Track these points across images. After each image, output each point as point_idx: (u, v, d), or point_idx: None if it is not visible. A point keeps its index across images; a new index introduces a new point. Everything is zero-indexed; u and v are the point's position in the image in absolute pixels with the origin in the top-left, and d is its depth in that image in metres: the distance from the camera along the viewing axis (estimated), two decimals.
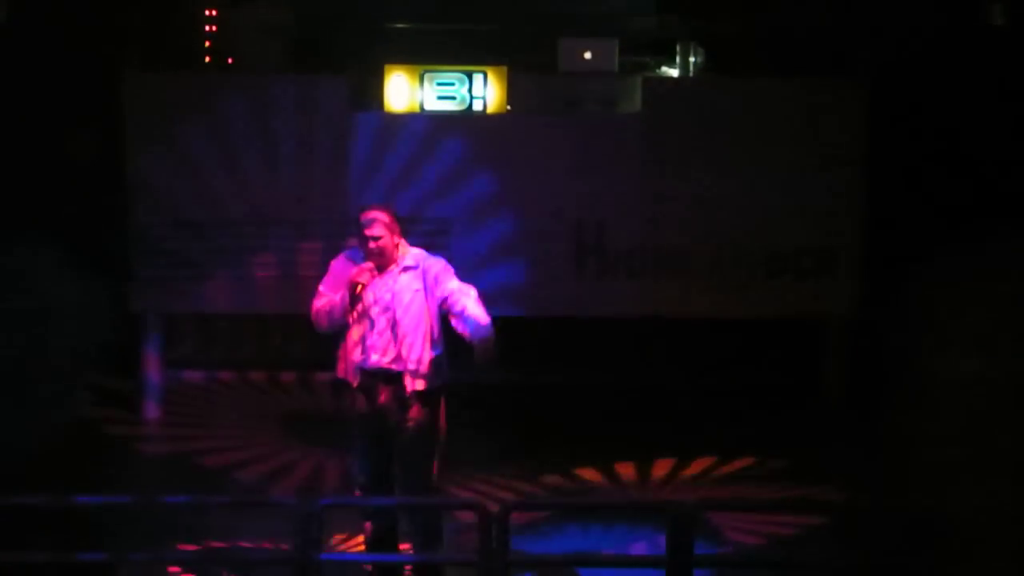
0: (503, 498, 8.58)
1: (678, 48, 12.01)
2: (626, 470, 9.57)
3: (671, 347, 11.17)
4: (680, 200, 10.56)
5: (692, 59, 12.08)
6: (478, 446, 9.00)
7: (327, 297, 7.21)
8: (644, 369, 11.24)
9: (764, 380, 10.94)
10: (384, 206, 7.28)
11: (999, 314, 9.72)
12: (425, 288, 7.12)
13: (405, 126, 10.54)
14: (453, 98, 10.61)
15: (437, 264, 7.20)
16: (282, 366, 11.56)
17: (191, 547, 7.65)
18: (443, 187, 10.46)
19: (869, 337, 10.46)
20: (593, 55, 11.05)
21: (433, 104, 10.63)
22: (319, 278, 10.68)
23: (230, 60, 11.88)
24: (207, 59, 11.86)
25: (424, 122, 10.55)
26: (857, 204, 10.52)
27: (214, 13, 11.82)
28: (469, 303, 6.97)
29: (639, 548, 7.90)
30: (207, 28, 11.86)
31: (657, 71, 11.98)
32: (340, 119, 10.46)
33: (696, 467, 9.62)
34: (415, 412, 7.13)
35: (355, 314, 7.14)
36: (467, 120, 10.59)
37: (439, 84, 10.65)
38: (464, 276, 7.27)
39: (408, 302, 7.10)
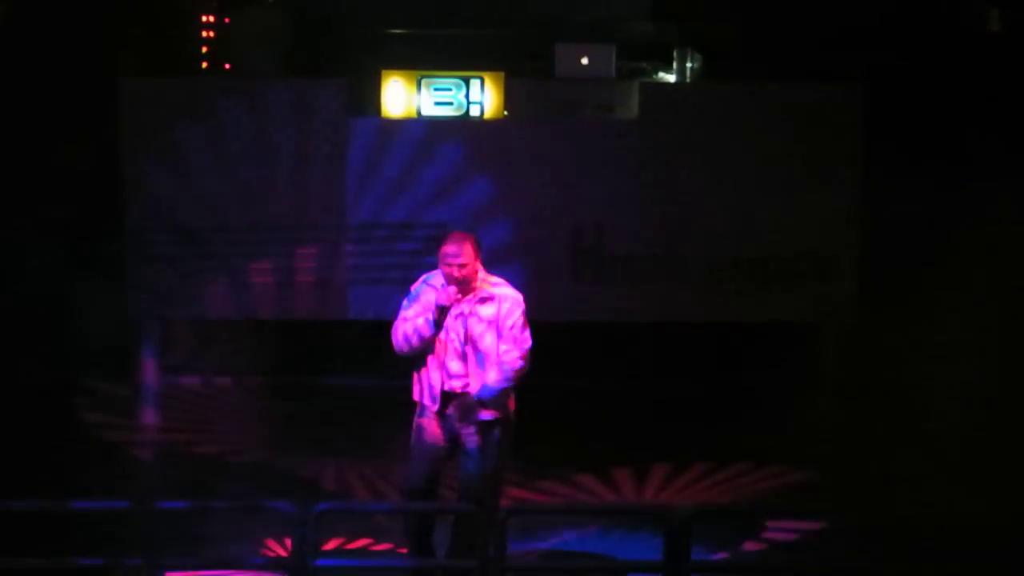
0: (501, 503, 8.57)
1: (675, 53, 12.01)
2: (623, 475, 9.57)
3: (668, 352, 11.17)
4: (677, 205, 10.57)
5: (689, 64, 12.08)
6: None
7: (411, 321, 7.30)
8: (641, 374, 11.24)
9: (761, 385, 10.94)
10: (468, 234, 7.43)
11: (995, 318, 9.73)
12: (498, 318, 7.29)
13: (402, 131, 10.54)
14: (450, 103, 10.61)
15: (509, 299, 7.36)
16: (279, 371, 11.55)
17: (187, 552, 7.65)
18: (440, 192, 10.46)
19: (866, 342, 10.47)
20: (590, 60, 11.04)
21: (430, 109, 10.62)
22: (316, 283, 10.75)
23: (227, 66, 11.88)
24: (204, 64, 11.86)
25: (421, 127, 10.55)
26: (854, 209, 10.52)
27: (211, 19, 11.82)
28: (505, 356, 7.27)
29: (636, 554, 7.90)
30: (204, 34, 11.86)
31: (654, 76, 11.97)
32: (337, 124, 10.45)
33: (693, 472, 9.62)
34: (483, 434, 7.33)
35: (436, 340, 7.27)
36: (464, 125, 10.59)
37: (436, 89, 10.64)
38: None
39: (482, 331, 7.27)
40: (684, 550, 6.72)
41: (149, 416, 10.74)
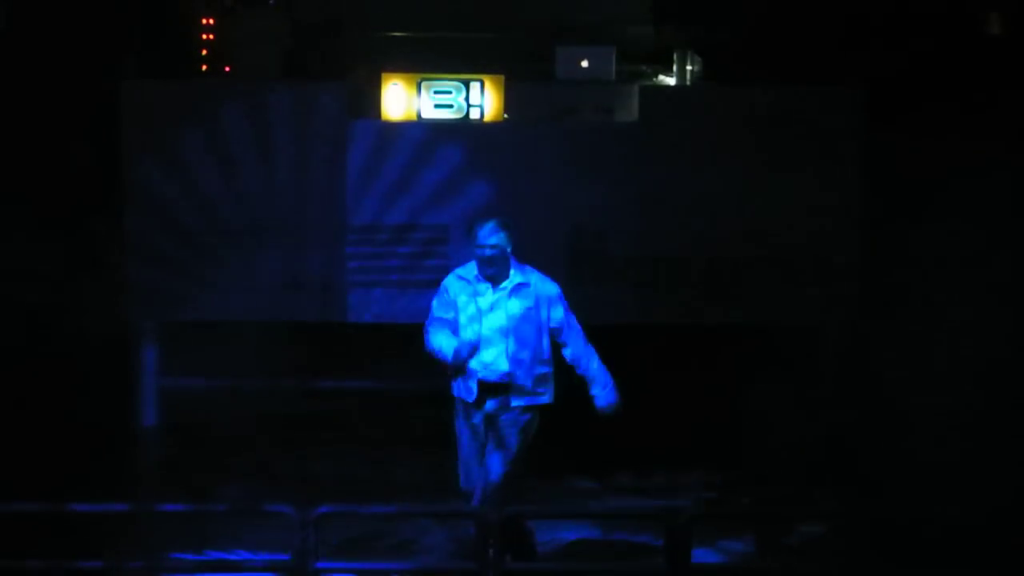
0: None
1: (675, 56, 12.01)
2: (623, 478, 9.57)
3: (668, 354, 11.16)
4: (677, 208, 10.57)
5: (689, 67, 12.08)
6: None
7: (438, 341, 7.38)
8: (641, 375, 11.23)
9: (761, 387, 10.93)
10: (502, 219, 7.45)
11: (996, 318, 9.73)
12: (537, 308, 7.31)
13: (402, 134, 10.54)
14: (450, 106, 10.61)
15: (550, 288, 7.42)
16: (279, 374, 11.54)
17: (188, 555, 7.65)
18: (440, 195, 10.46)
19: (867, 342, 10.47)
20: (590, 63, 11.04)
21: (430, 112, 10.62)
22: (316, 284, 10.74)
23: (227, 68, 11.88)
24: (204, 67, 11.86)
25: (421, 130, 10.55)
26: (854, 212, 10.52)
27: (211, 21, 11.82)
28: (591, 360, 7.64)
29: (636, 557, 7.90)
30: (204, 36, 11.86)
31: (654, 79, 11.98)
32: (337, 127, 10.45)
33: (693, 475, 9.62)
34: (519, 423, 7.50)
35: (471, 331, 7.32)
36: (464, 128, 10.58)
37: (436, 92, 10.64)
38: None
39: (520, 320, 7.28)
40: (685, 553, 6.73)
41: (149, 418, 10.73)
